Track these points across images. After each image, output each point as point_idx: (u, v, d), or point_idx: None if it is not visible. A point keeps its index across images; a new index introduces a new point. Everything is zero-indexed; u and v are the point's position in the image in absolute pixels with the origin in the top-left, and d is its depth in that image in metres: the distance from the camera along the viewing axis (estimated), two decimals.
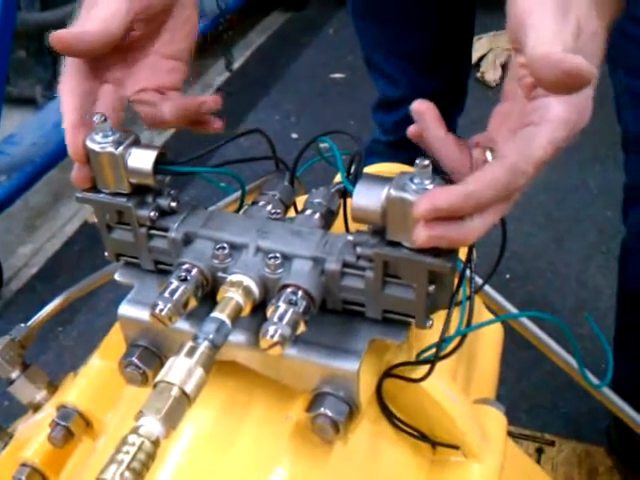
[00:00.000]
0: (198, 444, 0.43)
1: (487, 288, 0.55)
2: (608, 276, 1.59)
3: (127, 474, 0.31)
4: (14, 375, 0.71)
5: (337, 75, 2.49)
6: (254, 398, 0.45)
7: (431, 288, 0.39)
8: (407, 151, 1.12)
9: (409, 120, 1.18)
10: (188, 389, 0.36)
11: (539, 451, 1.08)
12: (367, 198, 0.38)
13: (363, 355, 0.41)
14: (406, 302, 0.40)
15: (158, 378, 0.36)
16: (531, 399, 1.31)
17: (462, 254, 0.42)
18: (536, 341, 0.56)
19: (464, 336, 0.42)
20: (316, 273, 0.41)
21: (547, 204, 1.81)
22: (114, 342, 0.55)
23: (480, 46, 2.32)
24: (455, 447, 0.47)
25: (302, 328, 0.40)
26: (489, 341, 0.62)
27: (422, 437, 0.47)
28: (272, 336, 0.38)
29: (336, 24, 2.74)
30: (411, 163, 0.98)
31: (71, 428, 0.54)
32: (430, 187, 0.37)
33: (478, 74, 2.26)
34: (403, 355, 0.45)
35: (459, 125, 1.28)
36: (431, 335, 0.44)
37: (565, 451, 1.08)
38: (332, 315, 0.43)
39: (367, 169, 0.80)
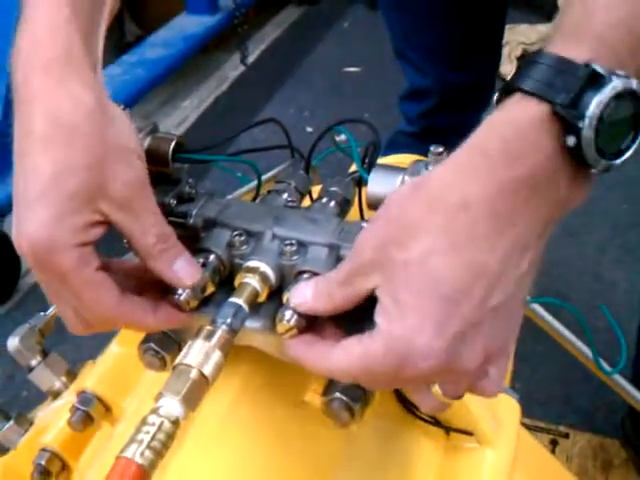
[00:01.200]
0: (214, 428, 0.44)
1: None
2: (623, 269, 1.59)
3: (147, 453, 0.32)
4: (34, 362, 0.72)
5: (351, 69, 2.49)
6: (269, 383, 0.45)
7: None
8: (430, 142, 1.12)
9: (434, 111, 1.19)
10: (207, 371, 0.36)
11: (553, 443, 1.08)
12: (382, 185, 0.39)
13: None
14: None
15: (177, 361, 0.37)
16: (545, 392, 1.31)
17: None
18: (550, 329, 0.57)
19: None
20: (332, 260, 0.42)
21: None
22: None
23: None
24: (469, 433, 0.47)
25: None
26: None
27: (436, 423, 0.48)
28: (288, 321, 0.39)
29: (350, 18, 2.74)
30: None
31: (91, 413, 0.55)
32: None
33: None
34: None
35: None
36: None
37: (580, 443, 1.09)
38: None
39: (385, 159, 0.81)
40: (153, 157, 0.44)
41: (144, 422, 0.34)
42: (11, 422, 0.72)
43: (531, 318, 0.58)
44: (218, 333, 0.38)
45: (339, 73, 2.49)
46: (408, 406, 0.47)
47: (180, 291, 0.41)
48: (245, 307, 0.40)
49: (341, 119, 0.51)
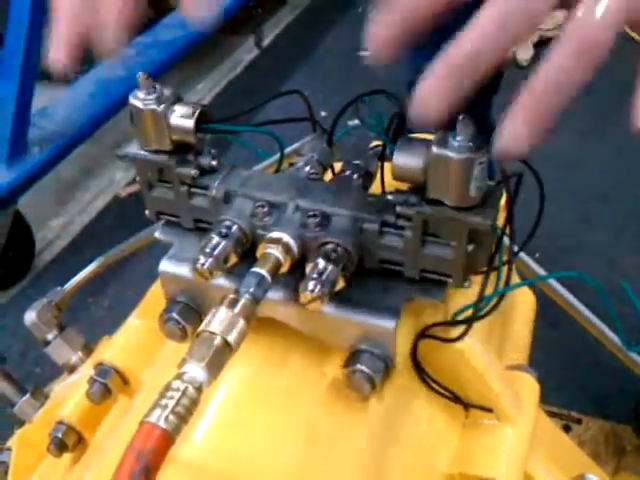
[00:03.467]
0: (236, 398, 0.44)
1: (522, 255, 0.55)
2: (638, 256, 1.58)
3: (171, 417, 0.32)
4: (50, 337, 0.73)
5: (366, 53, 2.48)
6: (290, 354, 0.45)
7: (470, 247, 0.40)
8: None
9: None
10: (230, 339, 0.36)
11: (566, 428, 1.08)
12: (408, 156, 0.38)
13: (400, 313, 0.41)
14: (445, 261, 0.41)
15: (201, 328, 0.37)
16: (558, 378, 1.30)
17: (500, 219, 0.42)
18: (567, 306, 0.56)
19: (501, 297, 0.42)
20: (355, 231, 0.42)
21: (575, 184, 1.80)
22: (152, 303, 0.56)
23: None
24: (488, 410, 0.47)
25: (341, 284, 0.40)
26: (522, 309, 0.62)
27: (455, 399, 0.47)
28: (312, 291, 0.39)
29: (364, 2, 2.72)
30: None
31: (108, 385, 0.55)
32: (473, 143, 0.37)
33: (509, 53, 2.24)
34: (439, 316, 0.45)
35: None
36: (464, 298, 0.45)
37: (592, 429, 1.08)
38: (370, 274, 0.43)
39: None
40: (177, 127, 0.43)
41: (168, 387, 0.34)
42: (27, 395, 0.72)
43: (549, 295, 0.57)
44: (242, 302, 0.38)
45: (353, 57, 2.47)
46: (427, 381, 0.47)
47: (203, 260, 0.41)
48: (268, 277, 0.40)
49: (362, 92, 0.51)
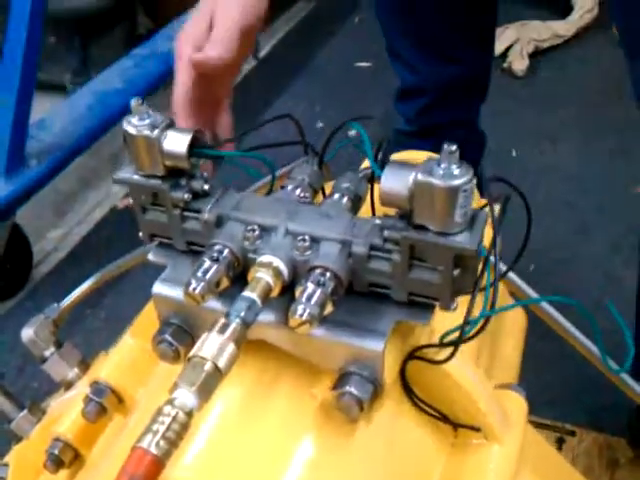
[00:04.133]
0: (227, 420, 0.44)
1: (511, 275, 0.56)
2: (634, 268, 1.59)
3: (162, 443, 0.33)
4: (48, 353, 0.73)
5: (363, 64, 2.49)
6: (281, 376, 0.46)
7: (456, 271, 0.40)
8: (430, 141, 1.13)
9: (430, 108, 1.20)
10: (220, 364, 0.37)
11: (560, 441, 1.08)
12: (395, 182, 0.39)
13: (388, 335, 0.42)
14: (431, 285, 0.41)
15: (192, 353, 0.37)
16: (553, 391, 1.31)
17: (487, 240, 0.43)
18: (557, 327, 0.57)
19: (488, 319, 0.43)
20: (344, 255, 0.42)
21: (571, 195, 1.81)
22: (145, 321, 0.56)
23: (507, 36, 2.30)
24: (476, 429, 0.48)
25: (330, 308, 0.41)
26: (512, 328, 0.63)
27: (444, 418, 0.48)
28: (301, 315, 0.39)
29: (361, 13, 2.73)
30: (434, 152, 0.99)
31: (104, 404, 0.55)
32: (457, 172, 0.38)
33: (505, 64, 2.25)
34: (426, 338, 0.46)
35: (483, 114, 1.28)
36: (453, 319, 0.45)
37: (586, 442, 1.09)
38: (359, 297, 0.44)
39: (393, 156, 0.81)
40: (170, 152, 0.44)
41: (159, 412, 0.34)
42: (25, 411, 0.73)
43: (539, 316, 0.58)
44: (232, 326, 0.39)
45: (350, 68, 2.49)
46: (416, 402, 0.48)
47: (194, 284, 0.41)
48: (258, 301, 0.41)
49: (352, 117, 0.52)
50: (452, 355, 0.43)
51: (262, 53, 2.56)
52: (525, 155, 1.98)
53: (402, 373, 0.46)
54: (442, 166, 0.38)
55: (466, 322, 0.42)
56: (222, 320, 0.39)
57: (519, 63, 2.24)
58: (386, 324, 0.42)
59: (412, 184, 0.39)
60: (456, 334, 0.44)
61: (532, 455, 0.56)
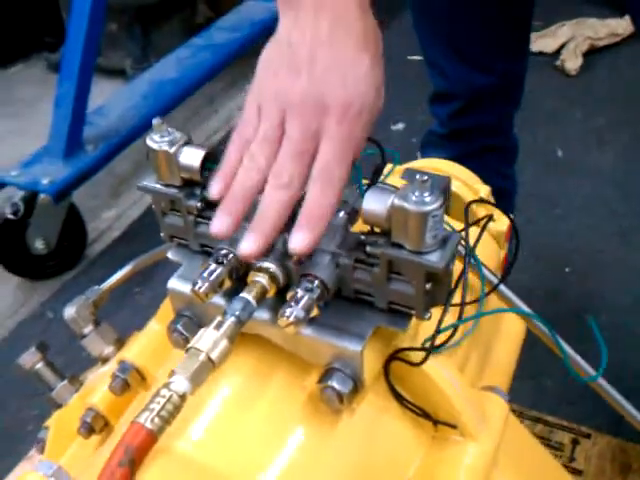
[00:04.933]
0: (226, 402, 0.50)
1: (503, 288, 0.60)
2: None
3: (157, 420, 0.39)
4: (87, 330, 0.81)
5: (415, 57, 2.51)
6: (277, 368, 0.52)
7: (428, 285, 0.45)
8: (460, 144, 1.16)
9: (460, 113, 1.21)
10: (213, 356, 0.43)
11: (574, 442, 1.11)
12: (375, 204, 0.44)
13: (367, 339, 0.47)
14: (407, 296, 0.46)
15: (190, 345, 0.44)
16: (577, 392, 1.33)
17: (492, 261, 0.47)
18: (543, 337, 0.61)
19: (455, 330, 0.47)
20: (332, 266, 0.48)
21: (613, 198, 1.80)
22: (168, 310, 0.63)
23: (562, 33, 2.28)
24: (453, 426, 0.52)
25: (315, 312, 0.46)
26: (508, 337, 0.67)
27: (424, 415, 0.53)
28: (288, 317, 0.45)
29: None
30: (463, 156, 1.03)
31: (128, 380, 0.62)
32: (428, 199, 0.42)
33: (558, 62, 2.23)
34: (409, 341, 0.51)
35: (531, 117, 1.27)
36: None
37: (599, 445, 1.11)
38: (346, 302, 0.49)
39: (415, 163, 0.86)
40: (185, 166, 0.50)
41: (157, 394, 0.41)
42: (65, 382, 0.81)
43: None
44: (226, 324, 0.45)
45: (403, 61, 2.50)
46: (399, 397, 0.53)
47: (200, 284, 0.47)
48: (253, 302, 0.46)
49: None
50: (425, 359, 0.48)
51: None
52: (570, 155, 1.98)
53: (386, 372, 0.52)
54: (415, 194, 0.43)
55: (436, 331, 0.47)
56: (219, 317, 0.45)
57: (572, 62, 2.22)
58: (367, 328, 0.48)
59: (390, 207, 0.44)
60: (440, 337, 0.49)
61: (514, 453, 0.60)
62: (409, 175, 0.79)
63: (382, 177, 0.75)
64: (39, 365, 0.80)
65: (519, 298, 0.61)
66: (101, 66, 2.30)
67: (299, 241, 0.46)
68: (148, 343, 0.65)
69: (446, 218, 0.66)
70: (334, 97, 0.47)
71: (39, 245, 1.69)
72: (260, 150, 0.48)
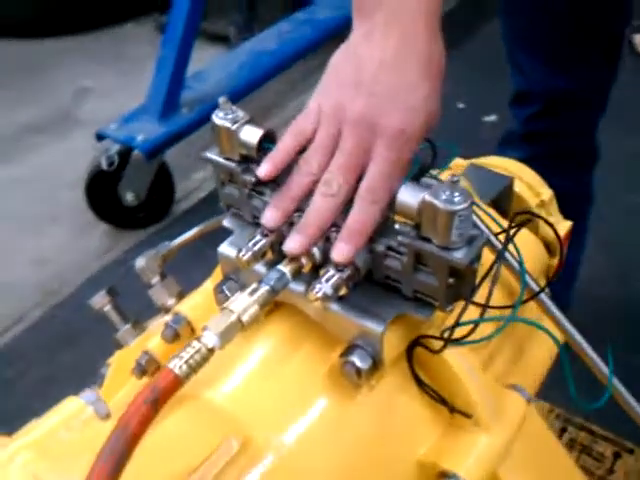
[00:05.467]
0: (255, 363, 0.55)
1: (543, 297, 0.62)
2: None
3: (184, 367, 0.44)
4: (154, 281, 0.87)
5: None
6: (308, 337, 0.56)
7: (451, 280, 0.48)
8: (536, 146, 1.15)
9: (538, 116, 1.21)
10: (243, 318, 0.47)
11: (616, 455, 1.11)
12: (408, 198, 0.47)
13: (389, 322, 0.50)
14: (432, 287, 0.49)
15: (224, 305, 0.48)
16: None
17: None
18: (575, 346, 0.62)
19: (475, 326, 0.50)
20: (366, 250, 0.51)
21: None
22: (220, 273, 0.68)
23: None
24: (468, 415, 0.55)
25: (344, 291, 0.50)
26: (544, 343, 0.68)
27: (441, 401, 0.56)
28: (317, 292, 0.49)
29: None
30: (538, 158, 1.04)
31: (179, 330, 0.68)
32: (457, 200, 0.45)
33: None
34: (434, 331, 0.54)
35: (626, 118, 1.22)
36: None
37: None
38: (376, 286, 0.53)
39: (483, 160, 0.87)
40: (243, 142, 0.54)
41: (189, 345, 0.46)
42: (129, 325, 0.88)
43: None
44: (260, 291, 0.49)
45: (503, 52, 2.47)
46: (419, 381, 0.56)
47: (244, 252, 0.52)
48: (288, 274, 0.50)
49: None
50: (443, 348, 0.51)
51: None
52: None
53: (409, 356, 0.55)
54: (447, 192, 0.45)
55: (456, 324, 0.49)
56: (255, 284, 0.49)
57: None
58: (391, 312, 0.51)
59: (421, 202, 0.46)
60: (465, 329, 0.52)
61: (530, 452, 0.62)
62: (470, 171, 0.81)
63: (447, 168, 0.78)
64: (107, 307, 0.88)
65: (558, 309, 0.62)
66: (206, 31, 2.39)
67: (341, 253, 0.50)
68: (201, 300, 0.70)
69: (496, 216, 0.68)
70: (388, 122, 0.50)
71: (129, 197, 1.79)
72: (315, 156, 0.52)
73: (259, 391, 0.53)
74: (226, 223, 0.60)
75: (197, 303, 0.70)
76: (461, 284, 0.48)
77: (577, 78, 1.08)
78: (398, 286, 0.51)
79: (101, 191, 1.77)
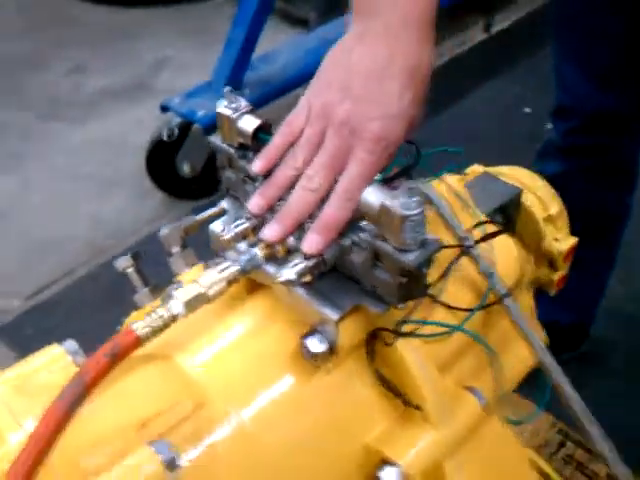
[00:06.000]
0: (228, 333, 0.60)
1: (510, 303, 0.64)
2: None
3: (146, 329, 0.49)
4: (174, 250, 0.94)
5: None
6: (281, 317, 0.60)
7: (403, 280, 0.51)
8: (572, 160, 1.15)
9: (579, 130, 1.21)
10: (209, 292, 0.52)
11: (609, 477, 1.10)
12: (371, 199, 0.51)
13: (345, 311, 0.54)
14: (386, 284, 0.53)
15: (195, 278, 0.53)
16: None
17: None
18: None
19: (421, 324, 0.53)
20: (335, 243, 0.55)
21: None
22: None
23: None
24: (417, 408, 0.58)
25: (308, 278, 0.54)
26: (520, 352, 0.70)
27: (395, 392, 0.59)
28: (281, 277, 0.53)
29: None
30: (575, 172, 1.06)
31: None
32: (411, 205, 0.48)
33: None
34: (392, 323, 0.57)
35: None
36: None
37: None
38: (342, 277, 0.56)
39: (497, 169, 0.89)
40: (241, 130, 0.59)
41: (155, 310, 0.51)
42: (147, 289, 0.94)
43: None
44: (229, 270, 0.54)
45: None
46: (377, 371, 0.59)
47: (226, 231, 0.57)
48: (261, 258, 0.55)
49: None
50: (394, 341, 0.55)
51: (496, 29, 2.57)
52: None
53: (367, 346, 0.58)
54: (403, 197, 0.49)
55: (403, 321, 0.53)
56: (227, 263, 0.54)
57: None
58: (349, 303, 0.55)
59: (380, 204, 0.50)
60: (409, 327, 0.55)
61: (483, 454, 0.65)
62: (480, 179, 0.83)
63: (463, 173, 0.80)
64: (130, 270, 0.94)
65: (524, 319, 0.65)
66: (288, 13, 2.43)
67: (310, 244, 0.54)
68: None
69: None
70: (370, 128, 0.54)
71: (186, 168, 1.87)
72: (301, 152, 0.57)
73: (226, 361, 0.58)
74: (224, 204, 0.65)
75: (195, 275, 0.75)
76: (412, 284, 0.52)
77: (624, 97, 1.08)
78: (360, 280, 0.55)
79: (160, 160, 1.86)
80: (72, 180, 2.06)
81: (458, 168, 0.72)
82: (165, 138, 1.79)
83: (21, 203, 2.00)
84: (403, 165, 0.58)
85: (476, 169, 0.88)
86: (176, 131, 1.78)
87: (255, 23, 1.75)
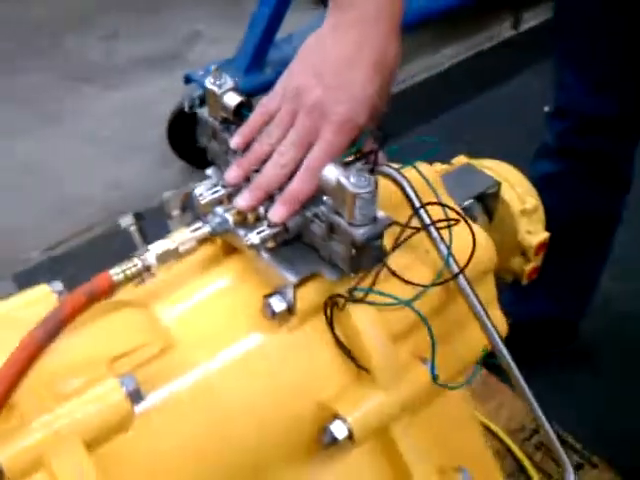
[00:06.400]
0: (203, 289, 0.66)
1: (462, 280, 0.68)
2: None
3: (120, 276, 0.55)
4: (174, 213, 1.00)
5: None
6: (254, 277, 0.65)
7: (354, 251, 0.57)
8: (566, 161, 1.18)
9: (570, 132, 1.25)
10: (180, 248, 0.58)
11: (578, 466, 1.15)
12: (330, 176, 0.56)
13: (302, 276, 0.60)
14: (340, 255, 0.58)
15: (169, 235, 0.59)
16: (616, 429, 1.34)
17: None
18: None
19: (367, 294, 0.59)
20: (298, 214, 0.60)
21: None
22: None
23: None
24: (366, 370, 0.64)
25: (271, 244, 0.60)
26: (473, 335, 0.74)
27: (349, 355, 0.65)
28: (247, 240, 0.59)
29: None
30: (567, 174, 1.11)
31: None
32: (362, 184, 0.53)
33: None
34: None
35: None
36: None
37: (604, 478, 1.14)
38: (304, 246, 0.62)
39: (480, 161, 0.93)
40: (224, 105, 0.65)
41: (130, 259, 0.57)
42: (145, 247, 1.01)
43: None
44: (200, 231, 0.60)
45: None
46: (333, 334, 0.65)
47: (203, 196, 0.63)
48: (230, 221, 0.61)
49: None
50: (343, 306, 0.60)
51: (525, 26, 2.58)
52: None
53: (325, 310, 0.64)
54: (355, 177, 0.54)
55: (353, 288, 0.58)
56: (198, 224, 0.60)
57: None
58: (307, 269, 0.60)
59: (336, 181, 0.55)
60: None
61: (437, 422, 0.70)
62: (461, 169, 0.88)
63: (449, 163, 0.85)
64: (132, 228, 1.01)
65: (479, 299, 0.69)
66: None
67: (276, 214, 0.60)
68: None
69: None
70: (338, 112, 0.60)
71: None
72: (275, 130, 0.63)
73: (196, 313, 0.64)
74: (208, 172, 0.71)
75: None
76: (362, 256, 0.57)
77: (620, 101, 1.10)
78: (319, 249, 0.61)
79: (181, 130, 1.92)
80: (95, 144, 2.14)
81: (433, 158, 0.77)
82: (186, 109, 1.86)
83: (45, 162, 2.08)
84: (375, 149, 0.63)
85: (461, 159, 0.93)
86: (197, 102, 1.84)
87: (280, 3, 1.80)
